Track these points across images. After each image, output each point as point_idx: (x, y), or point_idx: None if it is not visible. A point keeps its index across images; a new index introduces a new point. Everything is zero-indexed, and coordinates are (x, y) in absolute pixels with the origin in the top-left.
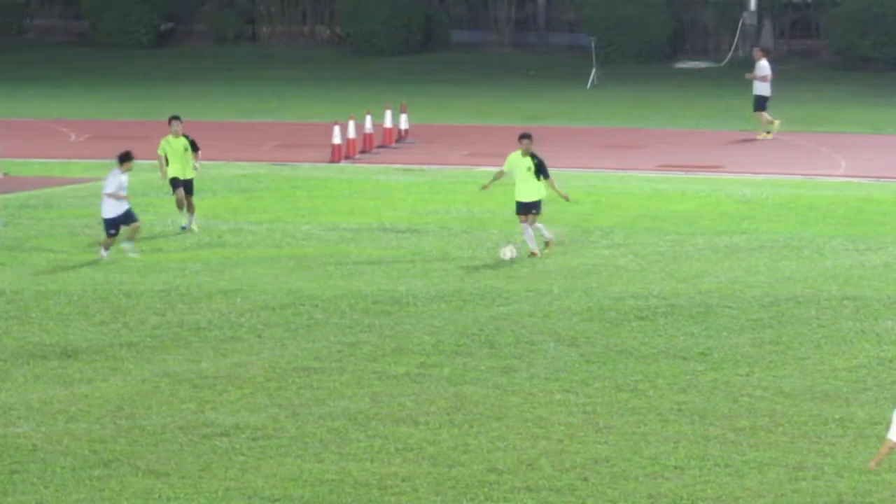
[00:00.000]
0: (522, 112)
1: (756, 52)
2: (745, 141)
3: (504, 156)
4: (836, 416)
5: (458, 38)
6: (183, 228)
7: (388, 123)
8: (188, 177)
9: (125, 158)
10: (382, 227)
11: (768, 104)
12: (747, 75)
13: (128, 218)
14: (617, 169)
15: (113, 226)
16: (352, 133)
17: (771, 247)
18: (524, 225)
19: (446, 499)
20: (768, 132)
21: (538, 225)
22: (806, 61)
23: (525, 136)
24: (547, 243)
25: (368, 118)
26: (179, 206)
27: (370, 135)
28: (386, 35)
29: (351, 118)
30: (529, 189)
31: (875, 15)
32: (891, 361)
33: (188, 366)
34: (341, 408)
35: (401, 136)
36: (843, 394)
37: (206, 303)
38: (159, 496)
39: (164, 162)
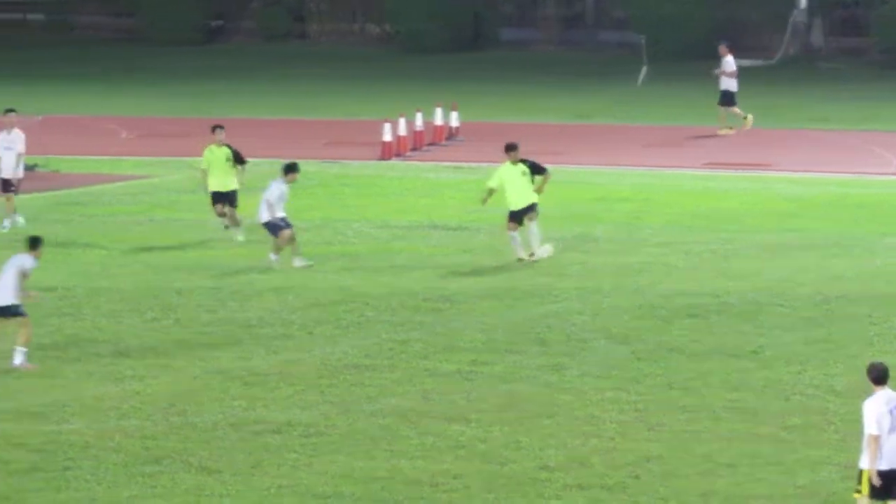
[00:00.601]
0: (571, 110)
1: (721, 47)
2: (794, 138)
3: (557, 154)
4: None
5: (506, 36)
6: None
7: (438, 121)
8: (230, 188)
9: (291, 169)
10: (433, 225)
11: (736, 99)
12: (714, 71)
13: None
14: (666, 167)
15: (278, 228)
16: (402, 130)
17: (821, 245)
18: (512, 234)
19: (498, 496)
20: (731, 127)
21: (535, 237)
22: (855, 59)
23: (511, 148)
24: (531, 254)
25: (419, 116)
26: (221, 219)
27: (420, 132)
28: (434, 33)
29: (401, 116)
30: (524, 195)
31: None
32: None
33: (239, 363)
34: (392, 405)
35: (451, 134)
36: None
37: (257, 300)
38: (211, 493)
39: (205, 176)
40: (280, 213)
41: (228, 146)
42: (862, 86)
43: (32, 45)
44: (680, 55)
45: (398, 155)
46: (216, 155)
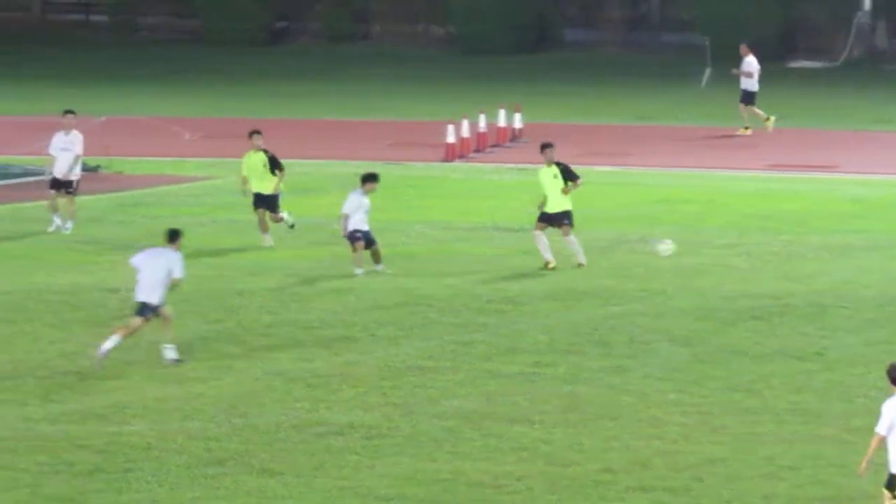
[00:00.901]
0: (634, 111)
1: (742, 47)
2: (858, 140)
3: (620, 155)
4: None
5: (571, 37)
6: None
7: (501, 122)
8: (266, 192)
9: (369, 179)
10: (496, 227)
11: (755, 99)
12: (733, 71)
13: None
14: (728, 168)
15: (354, 239)
16: (465, 132)
17: (885, 246)
18: (536, 233)
19: (561, 498)
20: (747, 127)
21: (575, 247)
22: None
23: (546, 146)
24: (580, 265)
25: (482, 117)
26: (261, 228)
27: (484, 134)
28: (499, 34)
29: (464, 117)
30: (555, 200)
31: None
32: None
33: (301, 364)
34: (455, 407)
35: (514, 136)
36: None
37: (318, 302)
38: (272, 495)
39: (245, 182)
40: (358, 226)
41: (265, 151)
42: None
43: (96, 46)
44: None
45: (461, 156)
46: (253, 160)
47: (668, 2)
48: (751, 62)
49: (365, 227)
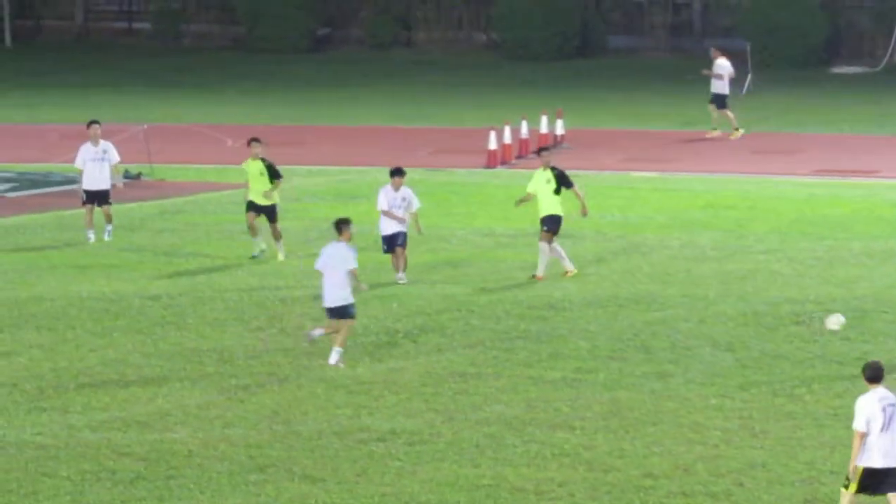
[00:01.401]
0: (678, 117)
1: (713, 50)
2: None
3: (663, 161)
4: None
5: (614, 43)
6: (254, 257)
7: (543, 128)
8: (263, 202)
9: (395, 173)
10: (537, 233)
11: (727, 102)
12: (703, 71)
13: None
14: (771, 174)
15: (386, 243)
16: (507, 138)
17: None
18: (541, 244)
19: (602, 503)
20: (714, 129)
21: (559, 252)
22: None
23: (543, 149)
24: (567, 273)
25: (524, 123)
26: (251, 232)
27: (526, 140)
28: (542, 40)
29: (506, 123)
30: (546, 204)
31: None
32: None
33: (344, 371)
34: (497, 413)
35: (556, 141)
36: None
37: (361, 308)
38: (315, 501)
39: (248, 189)
40: (399, 227)
41: (263, 160)
42: None
43: (139, 54)
44: (790, 62)
45: (504, 163)
46: (250, 169)
47: (712, 7)
48: (721, 65)
49: (399, 228)
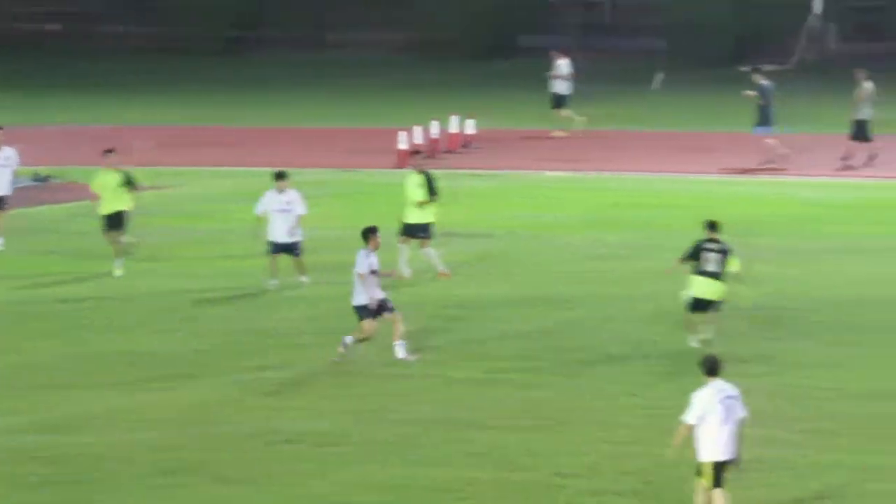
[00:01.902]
0: (591, 117)
1: (552, 52)
2: (815, 142)
3: (570, 160)
4: None
5: (525, 42)
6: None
7: (453, 129)
8: (118, 209)
9: (279, 177)
10: (447, 232)
11: (567, 102)
12: (547, 73)
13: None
14: (682, 173)
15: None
16: (418, 138)
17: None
18: (400, 246)
19: (511, 502)
20: (565, 129)
21: (433, 258)
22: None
23: (415, 152)
24: (441, 274)
25: (435, 124)
26: (112, 246)
27: (436, 140)
28: (455, 41)
29: (415, 125)
30: (417, 210)
31: None
32: None
33: (253, 374)
34: (407, 413)
35: (466, 142)
36: None
37: (270, 310)
38: (227, 503)
39: (97, 198)
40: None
41: (119, 171)
42: None
43: (50, 55)
44: (700, 61)
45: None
46: (107, 180)
47: (623, 6)
48: (561, 65)
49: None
